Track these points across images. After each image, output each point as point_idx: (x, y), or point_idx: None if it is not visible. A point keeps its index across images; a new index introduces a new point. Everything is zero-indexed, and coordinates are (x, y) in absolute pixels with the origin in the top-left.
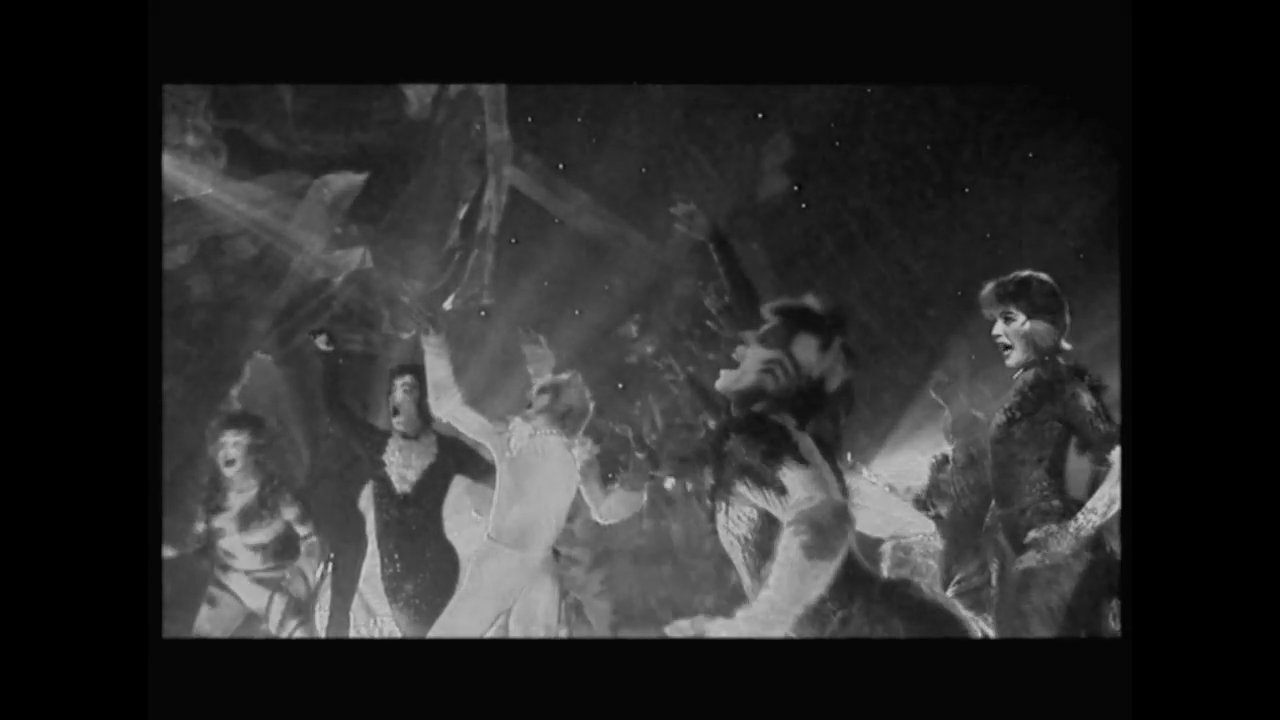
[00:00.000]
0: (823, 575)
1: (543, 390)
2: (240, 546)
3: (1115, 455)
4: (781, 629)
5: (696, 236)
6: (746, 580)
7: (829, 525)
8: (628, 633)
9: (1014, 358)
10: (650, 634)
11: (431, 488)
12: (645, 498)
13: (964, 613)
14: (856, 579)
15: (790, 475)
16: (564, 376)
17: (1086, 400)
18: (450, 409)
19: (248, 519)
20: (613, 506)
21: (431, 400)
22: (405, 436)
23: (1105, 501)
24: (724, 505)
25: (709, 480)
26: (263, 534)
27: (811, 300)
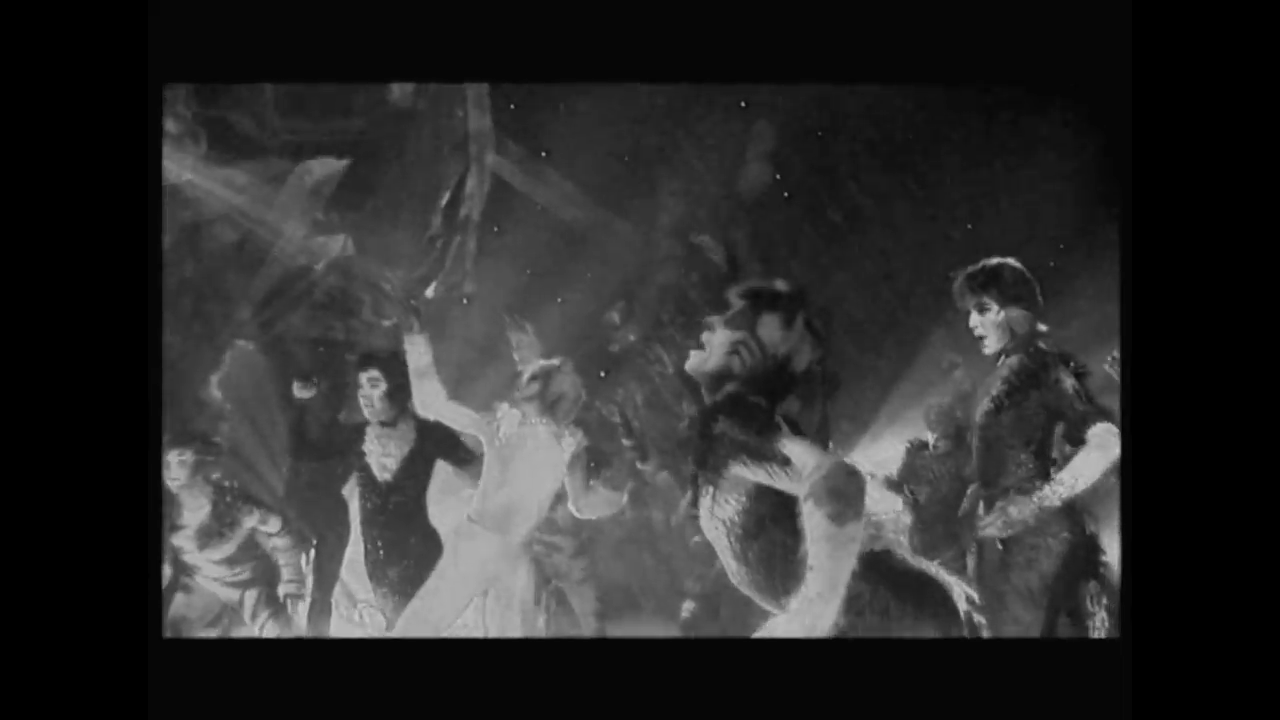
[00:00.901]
0: (856, 536)
1: (534, 377)
2: (203, 561)
3: (1090, 434)
4: (836, 603)
5: (715, 261)
6: (731, 564)
7: (845, 487)
8: (612, 620)
9: (991, 345)
10: (635, 622)
11: (413, 474)
12: (625, 499)
13: (947, 577)
14: None
15: (791, 447)
16: (555, 363)
17: (1069, 384)
18: (437, 407)
19: (206, 537)
20: (592, 503)
21: (416, 400)
22: (383, 424)
23: (1072, 475)
24: (710, 489)
25: (692, 466)
26: (224, 549)
27: (778, 283)
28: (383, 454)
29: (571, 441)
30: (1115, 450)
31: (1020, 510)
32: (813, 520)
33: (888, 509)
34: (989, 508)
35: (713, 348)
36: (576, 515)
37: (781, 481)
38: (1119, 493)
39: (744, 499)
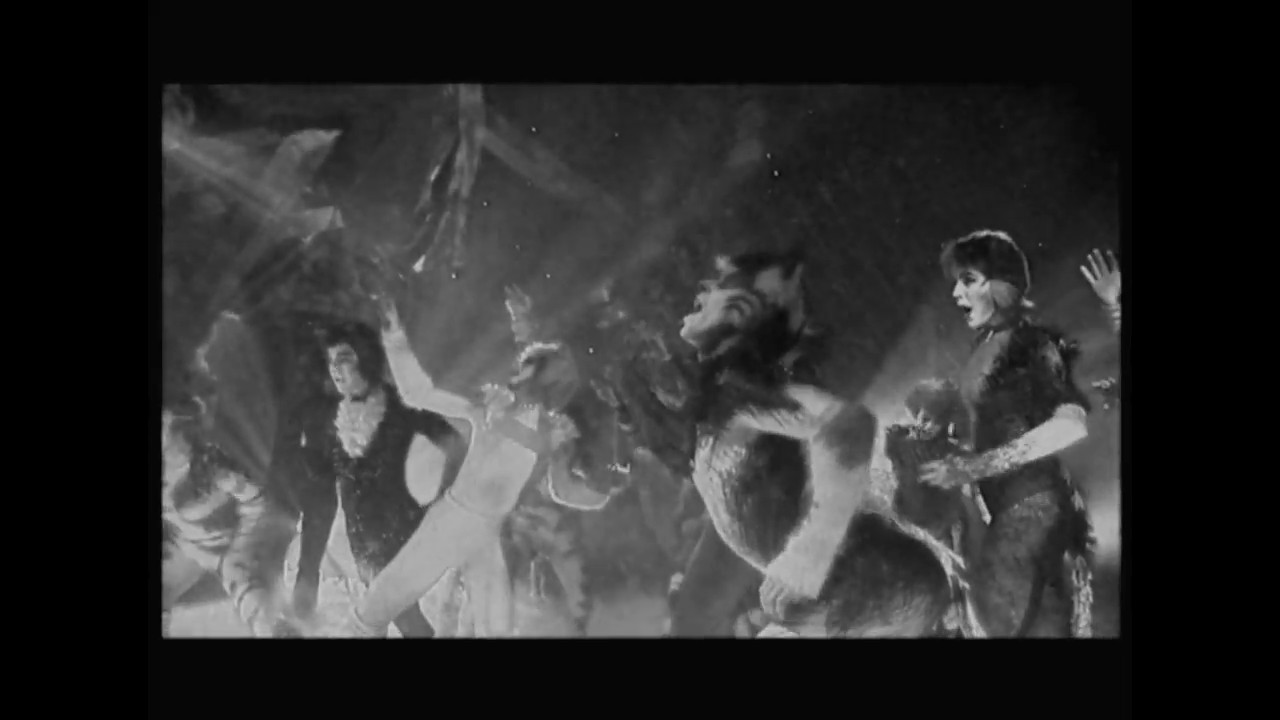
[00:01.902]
0: (864, 479)
1: (529, 361)
2: (180, 521)
3: (1058, 410)
4: (838, 540)
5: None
6: (723, 517)
7: (856, 429)
8: (600, 594)
9: (975, 319)
10: (623, 595)
11: (385, 447)
12: (606, 499)
13: (935, 542)
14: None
15: (800, 392)
16: (552, 348)
17: (1054, 361)
18: (423, 397)
19: (181, 497)
20: (573, 496)
21: (402, 392)
22: (355, 399)
23: (1026, 442)
24: (710, 440)
25: (690, 419)
26: (200, 510)
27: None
28: (351, 429)
29: (561, 433)
30: (1076, 431)
31: (966, 464)
32: (821, 460)
33: (876, 468)
34: (984, 480)
35: (709, 307)
36: (553, 499)
37: (791, 427)
38: (1112, 473)
39: (743, 451)
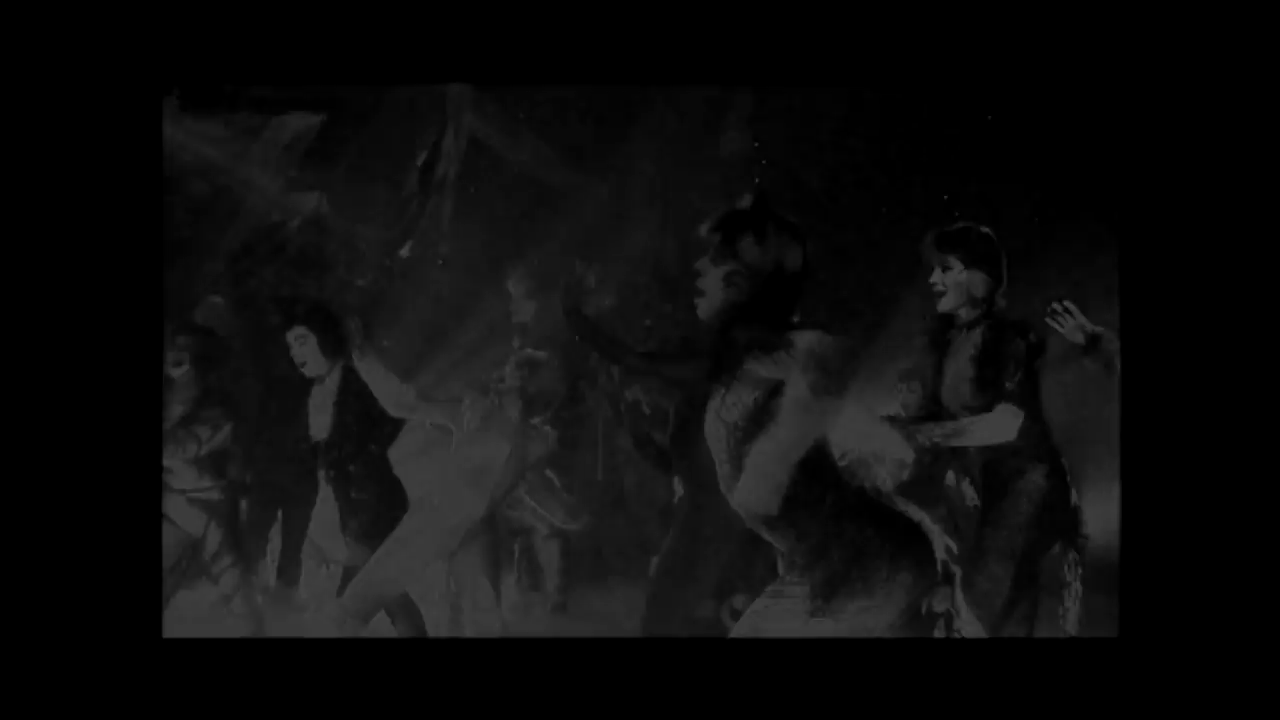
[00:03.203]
0: (829, 412)
1: (518, 366)
2: (176, 461)
3: (998, 408)
4: (792, 461)
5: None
6: (725, 469)
7: (836, 363)
8: (578, 577)
9: (945, 304)
10: (602, 577)
11: (344, 425)
12: (579, 525)
13: (932, 525)
14: (828, 481)
15: (799, 335)
16: (541, 355)
17: (1016, 355)
18: (407, 410)
19: (187, 424)
20: (543, 500)
21: (387, 407)
22: (321, 380)
23: (956, 427)
24: (723, 391)
25: (707, 372)
26: (191, 450)
27: (739, 203)
28: (318, 411)
29: (541, 445)
30: (1007, 432)
31: (894, 429)
32: (795, 383)
33: (899, 455)
34: (987, 466)
35: (710, 288)
36: (525, 498)
37: (784, 366)
38: (1111, 469)
39: (750, 404)
